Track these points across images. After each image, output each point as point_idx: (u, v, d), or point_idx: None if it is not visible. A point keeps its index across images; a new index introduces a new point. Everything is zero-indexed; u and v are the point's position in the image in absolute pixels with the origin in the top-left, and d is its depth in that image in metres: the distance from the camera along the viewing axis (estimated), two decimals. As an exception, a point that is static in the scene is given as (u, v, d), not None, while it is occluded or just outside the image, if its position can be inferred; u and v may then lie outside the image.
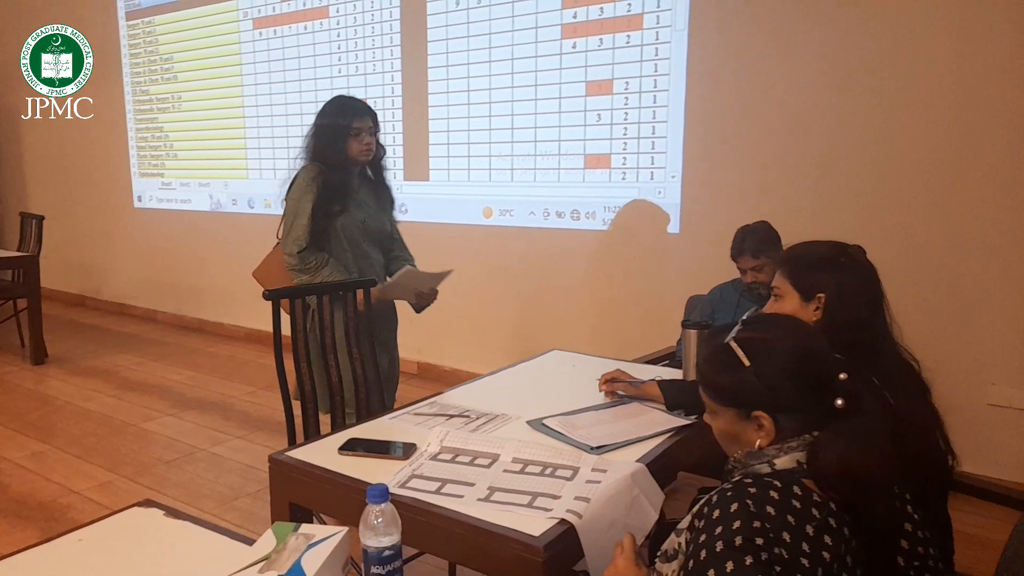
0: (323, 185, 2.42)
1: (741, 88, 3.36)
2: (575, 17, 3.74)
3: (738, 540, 0.91)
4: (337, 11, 4.65)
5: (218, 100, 5.43)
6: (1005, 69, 2.78)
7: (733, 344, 1.08)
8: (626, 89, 3.64)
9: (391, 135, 4.53)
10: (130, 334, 5.79)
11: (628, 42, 3.60)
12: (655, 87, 3.57)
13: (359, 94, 4.63)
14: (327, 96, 4.74)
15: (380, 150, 2.57)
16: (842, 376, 1.03)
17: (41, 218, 5.04)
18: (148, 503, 1.37)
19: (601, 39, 3.68)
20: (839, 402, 1.01)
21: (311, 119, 4.77)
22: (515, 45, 3.95)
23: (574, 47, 3.77)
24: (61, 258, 6.71)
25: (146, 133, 6.02)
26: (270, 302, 2.09)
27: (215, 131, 5.53)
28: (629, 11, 3.58)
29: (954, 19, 2.86)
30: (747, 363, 1.05)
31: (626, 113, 3.66)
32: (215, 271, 5.74)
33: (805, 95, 3.20)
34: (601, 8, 3.66)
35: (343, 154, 2.44)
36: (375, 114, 2.51)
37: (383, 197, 2.63)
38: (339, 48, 4.68)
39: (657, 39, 3.53)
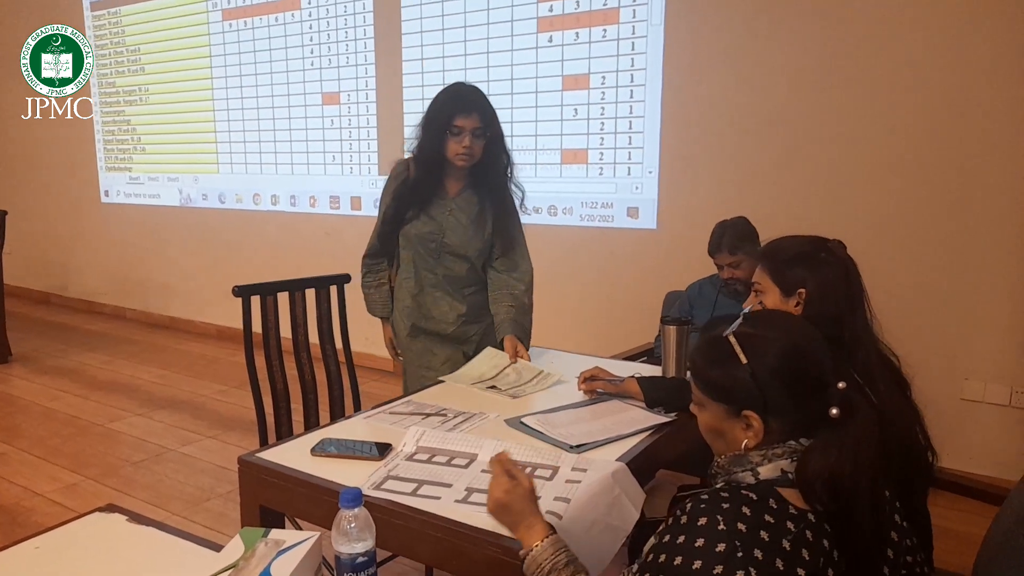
0: (402, 185, 2.18)
1: (718, 83, 3.35)
2: (551, 10, 3.71)
3: (697, 564, 0.88)
4: (308, 2, 4.57)
5: (187, 92, 5.32)
6: (985, 64, 2.80)
7: (731, 339, 1.03)
8: (603, 84, 3.62)
9: (364, 129, 4.47)
10: (97, 332, 5.66)
11: (604, 36, 3.58)
12: (632, 81, 3.55)
13: (331, 88, 4.56)
14: (298, 89, 4.75)
15: (494, 157, 2.15)
16: (840, 385, 0.99)
17: (4, 213, 4.90)
18: (111, 508, 1.31)
19: (577, 33, 3.65)
20: (833, 411, 0.97)
21: (283, 112, 4.64)
22: (491, 38, 3.91)
23: (550, 41, 3.74)
24: (26, 254, 6.54)
25: (113, 126, 5.88)
26: (240, 299, 2.04)
27: (184, 124, 5.41)
28: (605, 5, 3.56)
29: (935, 10, 2.87)
30: (744, 360, 1.00)
31: (603, 108, 3.64)
32: (185, 267, 5.63)
33: (782, 89, 3.21)
34: (577, 1, 3.63)
35: (439, 153, 2.10)
36: (489, 112, 2.10)
37: (486, 210, 2.21)
38: (311, 40, 4.61)
39: (633, 33, 3.51)
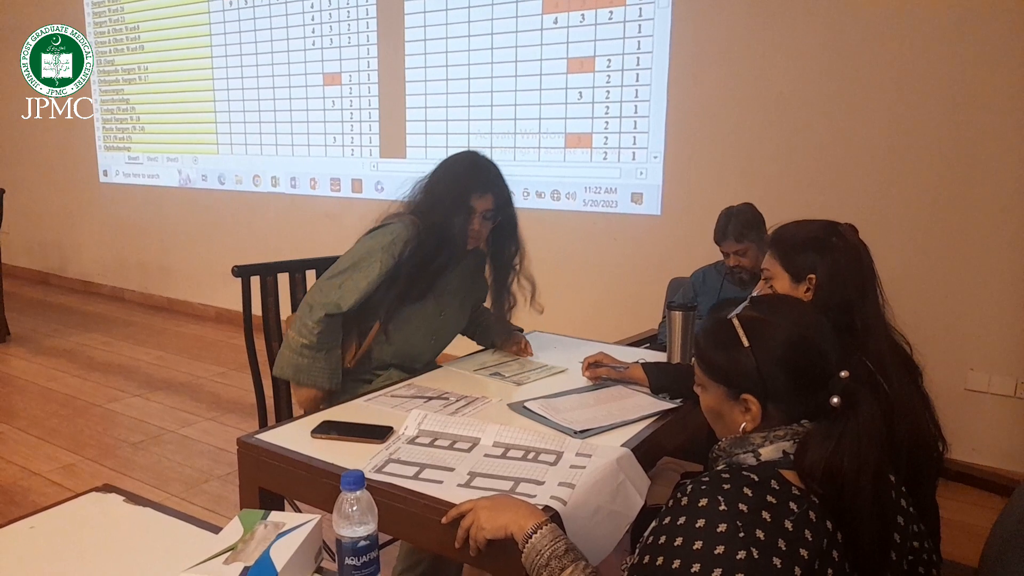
0: (410, 256, 1.84)
1: (725, 67, 3.31)
2: (557, -9, 3.67)
3: (698, 544, 0.87)
4: (311, -19, 4.52)
5: (187, 71, 5.27)
6: (989, 58, 2.76)
7: (735, 321, 1.02)
8: (608, 67, 3.58)
9: (366, 110, 4.43)
10: (96, 313, 5.64)
11: (611, 18, 3.53)
12: (638, 65, 3.51)
13: (333, 68, 4.50)
14: (300, 70, 4.70)
15: (501, 247, 1.99)
16: (843, 374, 0.97)
17: (1, 191, 4.86)
18: (107, 488, 1.29)
19: (583, 14, 3.60)
20: (834, 400, 0.96)
21: (283, 93, 4.49)
22: (495, 19, 3.86)
23: (555, 22, 3.69)
24: (23, 234, 6.51)
25: (112, 105, 5.83)
26: (240, 279, 2.01)
27: (184, 103, 5.36)
28: (612, -14, 3.51)
29: (941, 3, 2.83)
30: (745, 344, 1.00)
31: (608, 91, 3.60)
32: (184, 248, 5.60)
33: (790, 75, 3.17)
34: (584, -17, 3.58)
35: (449, 230, 1.86)
36: (505, 195, 1.91)
37: (476, 292, 2.10)
38: (312, 19, 4.55)
39: (640, 16, 3.46)
